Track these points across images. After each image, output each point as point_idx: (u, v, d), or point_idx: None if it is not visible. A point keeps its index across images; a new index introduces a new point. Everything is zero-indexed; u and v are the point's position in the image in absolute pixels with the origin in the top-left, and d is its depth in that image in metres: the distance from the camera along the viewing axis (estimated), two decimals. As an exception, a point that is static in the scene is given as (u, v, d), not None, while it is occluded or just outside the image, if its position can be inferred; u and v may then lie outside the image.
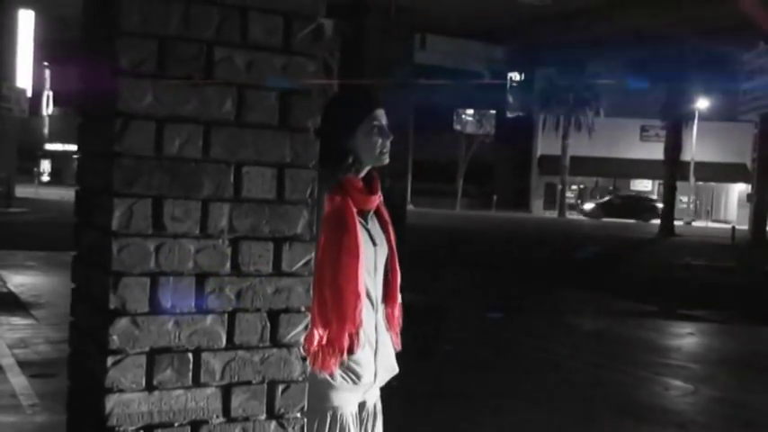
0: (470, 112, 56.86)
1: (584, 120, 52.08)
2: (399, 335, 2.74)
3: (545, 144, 54.65)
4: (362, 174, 2.62)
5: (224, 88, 2.00)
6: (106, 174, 1.94)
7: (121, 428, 1.95)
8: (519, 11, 36.84)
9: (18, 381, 6.05)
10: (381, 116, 2.62)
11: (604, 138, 51.04)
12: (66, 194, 31.32)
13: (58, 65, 48.56)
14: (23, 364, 6.50)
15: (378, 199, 2.66)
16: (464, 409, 6.00)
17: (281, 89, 2.05)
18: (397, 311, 2.72)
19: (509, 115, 57.90)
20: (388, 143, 2.61)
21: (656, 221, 40.69)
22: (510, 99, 58.75)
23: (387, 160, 2.63)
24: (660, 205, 41.57)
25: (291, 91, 2.07)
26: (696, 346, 9.70)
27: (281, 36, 2.06)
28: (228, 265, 2.04)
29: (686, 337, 10.03)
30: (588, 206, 51.12)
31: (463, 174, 55.60)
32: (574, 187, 56.59)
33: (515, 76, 57.16)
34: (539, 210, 55.56)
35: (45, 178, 59.07)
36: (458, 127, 56.01)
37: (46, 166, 61.39)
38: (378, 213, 2.69)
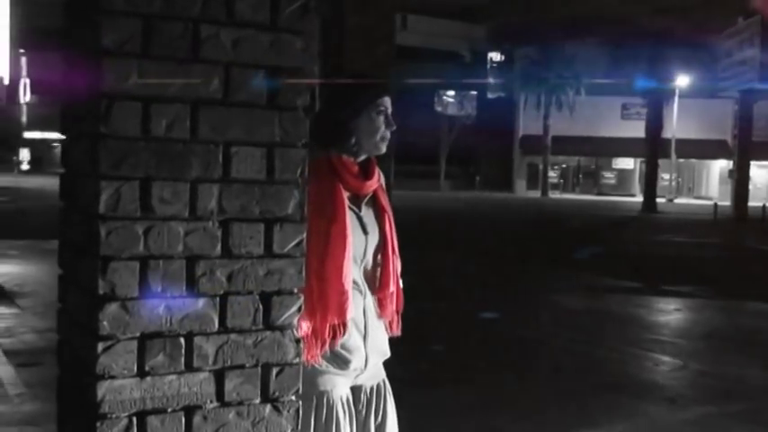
0: (451, 93, 56.73)
1: (565, 99, 52.11)
2: (399, 321, 2.70)
3: (527, 124, 54.69)
4: (360, 158, 2.57)
5: (210, 67, 1.95)
6: (92, 156, 1.89)
7: (113, 415, 1.91)
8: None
9: (4, 370, 5.99)
10: (389, 104, 2.58)
11: (586, 117, 51.11)
12: (47, 183, 31.05)
13: (35, 52, 47.66)
14: (9, 354, 6.44)
15: (374, 185, 2.59)
16: (466, 392, 5.98)
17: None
18: (391, 299, 2.65)
19: (490, 96, 57.89)
20: (388, 133, 2.56)
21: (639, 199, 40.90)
22: (491, 80, 58.71)
23: (384, 150, 2.58)
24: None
25: (280, 69, 2.03)
26: (683, 322, 9.75)
27: (267, 12, 2.01)
28: (219, 247, 2.00)
29: (673, 313, 10.07)
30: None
31: (446, 155, 55.59)
32: (556, 167, 56.72)
33: (495, 56, 57.10)
34: (522, 190, 55.67)
35: (25, 167, 58.65)
36: (439, 108, 55.89)
37: (25, 154, 60.78)
38: (375, 200, 2.62)
